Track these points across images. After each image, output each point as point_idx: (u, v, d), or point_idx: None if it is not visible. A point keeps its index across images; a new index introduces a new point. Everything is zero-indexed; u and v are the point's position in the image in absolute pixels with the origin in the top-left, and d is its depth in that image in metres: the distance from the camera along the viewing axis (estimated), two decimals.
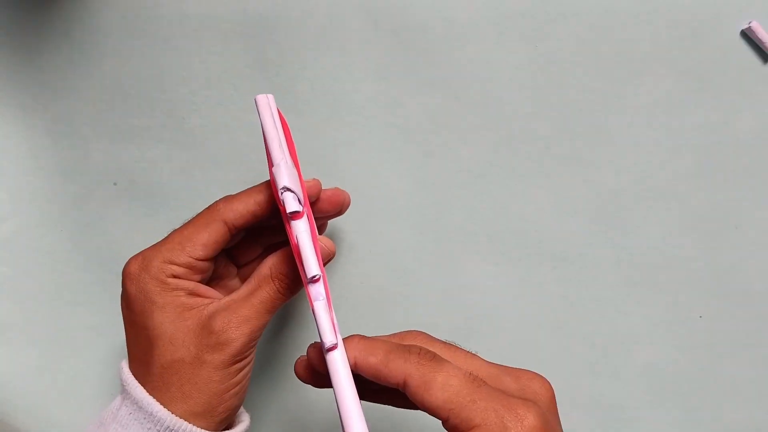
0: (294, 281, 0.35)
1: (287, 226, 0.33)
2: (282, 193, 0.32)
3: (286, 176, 0.32)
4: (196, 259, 0.35)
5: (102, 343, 0.47)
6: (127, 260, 0.36)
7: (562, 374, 0.44)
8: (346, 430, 0.29)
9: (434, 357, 0.30)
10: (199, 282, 0.36)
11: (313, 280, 0.31)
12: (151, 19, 0.44)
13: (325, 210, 0.39)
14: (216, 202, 0.36)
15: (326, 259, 0.36)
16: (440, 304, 0.44)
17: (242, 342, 0.34)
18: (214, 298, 0.35)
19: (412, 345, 0.31)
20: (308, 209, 0.33)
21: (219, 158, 0.45)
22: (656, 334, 0.43)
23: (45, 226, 0.47)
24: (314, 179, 0.37)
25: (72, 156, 0.46)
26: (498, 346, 0.44)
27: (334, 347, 0.30)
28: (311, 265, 0.31)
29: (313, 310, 0.31)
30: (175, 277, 0.34)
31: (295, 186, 0.32)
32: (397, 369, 0.30)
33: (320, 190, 0.37)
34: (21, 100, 0.46)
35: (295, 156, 0.35)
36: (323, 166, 0.44)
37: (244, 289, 0.35)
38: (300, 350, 0.45)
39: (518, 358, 0.44)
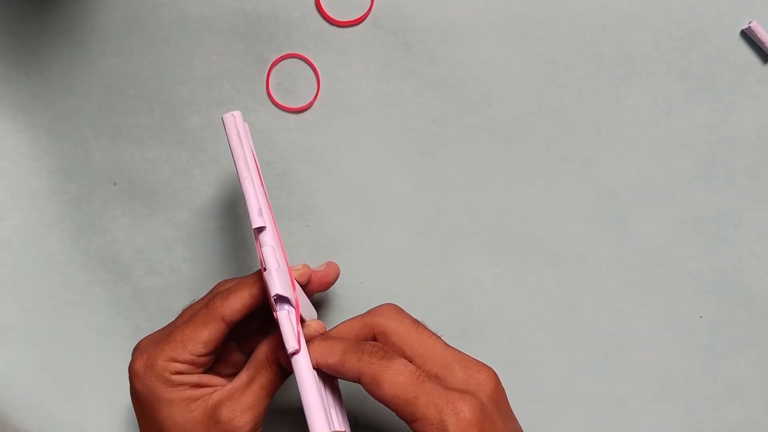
0: (288, 363, 0.38)
1: (275, 316, 0.35)
2: (275, 299, 0.34)
3: (278, 284, 0.34)
4: (197, 356, 0.37)
5: (102, 343, 0.47)
6: (132, 356, 0.38)
7: (562, 374, 0.44)
8: (309, 424, 0.33)
9: (385, 354, 0.34)
10: (203, 373, 0.38)
11: (294, 352, 0.34)
12: (151, 19, 0.44)
13: (314, 290, 0.41)
14: (213, 298, 0.37)
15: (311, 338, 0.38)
16: (440, 304, 0.44)
17: (248, 428, 0.36)
18: (217, 386, 0.37)
19: (366, 343, 0.35)
20: (296, 299, 0.35)
21: (219, 158, 0.45)
22: (656, 334, 0.43)
23: (45, 226, 0.47)
24: (303, 266, 0.39)
25: (72, 156, 0.46)
26: (498, 346, 0.44)
27: (296, 352, 0.34)
28: (290, 341, 0.34)
29: (277, 320, 0.34)
30: (179, 373, 0.36)
31: (287, 290, 0.35)
32: (352, 368, 0.34)
33: (310, 274, 0.40)
34: (21, 100, 0.46)
35: (260, 175, 0.37)
36: (323, 166, 0.44)
37: (244, 375, 0.37)
38: None
39: (518, 358, 0.44)
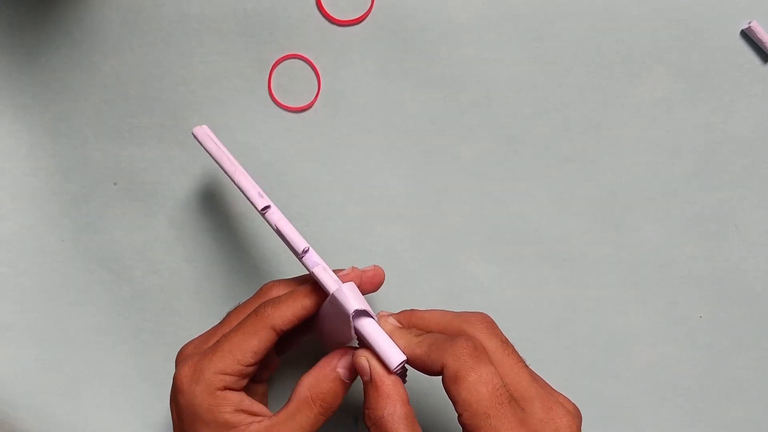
0: (335, 398, 0.35)
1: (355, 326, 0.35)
2: (353, 316, 0.34)
3: (352, 299, 0.34)
4: (246, 366, 0.35)
5: (102, 343, 0.47)
6: (177, 365, 0.37)
7: (562, 374, 0.44)
8: (384, 356, 0.33)
9: (475, 353, 0.32)
10: (245, 388, 0.36)
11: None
12: (151, 19, 0.44)
13: (364, 291, 0.39)
14: (264, 306, 0.36)
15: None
16: (440, 304, 0.44)
17: None
18: (256, 415, 0.36)
19: (460, 337, 0.33)
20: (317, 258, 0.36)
21: None
22: (656, 334, 0.43)
23: (45, 226, 0.47)
24: (352, 268, 0.38)
25: (72, 156, 0.46)
26: None
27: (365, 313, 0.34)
28: (352, 303, 0.34)
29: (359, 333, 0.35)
30: (224, 388, 0.35)
31: (365, 304, 0.35)
32: (438, 357, 0.32)
33: (360, 276, 0.38)
34: (21, 100, 0.46)
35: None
36: (323, 166, 0.44)
37: (284, 413, 0.35)
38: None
39: None
